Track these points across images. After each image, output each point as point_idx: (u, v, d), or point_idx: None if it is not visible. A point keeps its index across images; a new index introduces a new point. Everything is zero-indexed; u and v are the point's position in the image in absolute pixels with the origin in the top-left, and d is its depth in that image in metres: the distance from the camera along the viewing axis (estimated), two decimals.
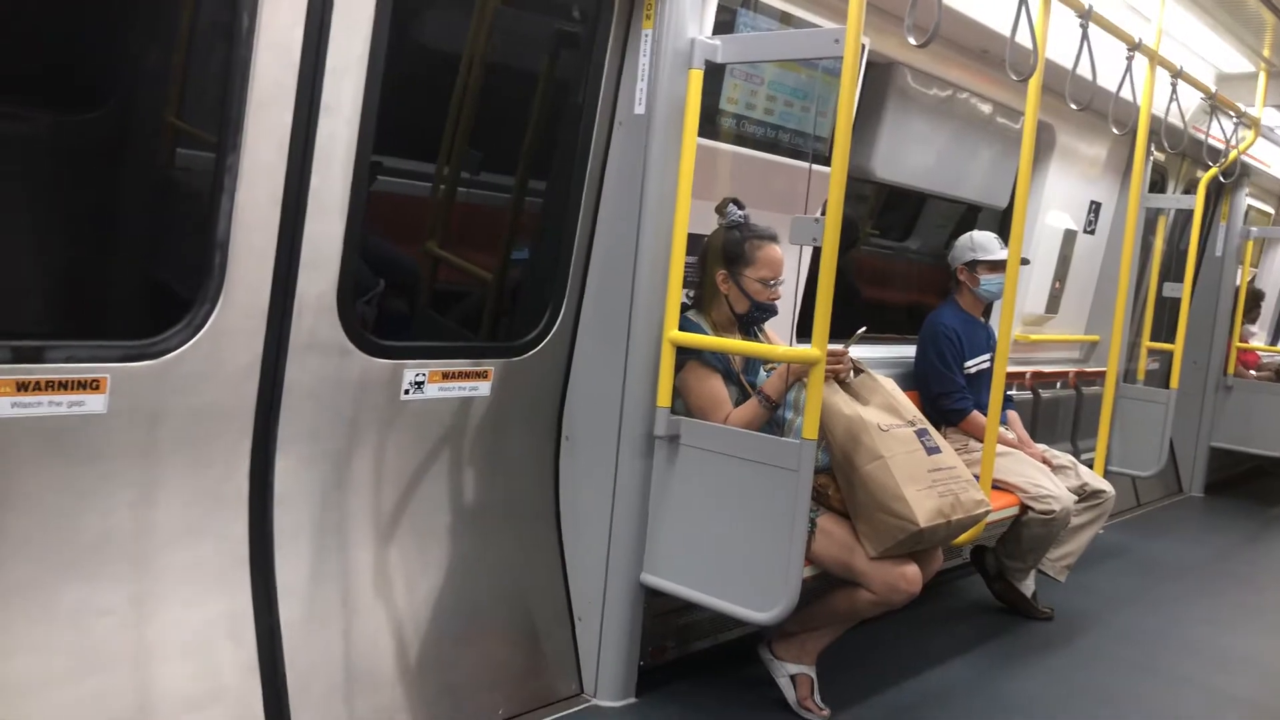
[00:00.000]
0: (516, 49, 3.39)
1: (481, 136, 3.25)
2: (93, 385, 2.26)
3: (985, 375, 4.39)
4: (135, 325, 2.40)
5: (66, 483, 2.29)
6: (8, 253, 2.50)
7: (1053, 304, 5.76)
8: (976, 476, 3.49)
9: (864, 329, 3.32)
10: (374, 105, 2.58)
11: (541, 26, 3.34)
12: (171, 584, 2.46)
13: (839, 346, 3.20)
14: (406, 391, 2.87)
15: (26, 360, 2.17)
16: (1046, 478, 4.26)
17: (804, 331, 3.55)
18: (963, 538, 3.50)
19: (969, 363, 4.49)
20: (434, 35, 3.31)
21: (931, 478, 3.14)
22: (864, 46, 3.58)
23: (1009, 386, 4.94)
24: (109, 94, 2.69)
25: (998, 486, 4.06)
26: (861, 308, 5.74)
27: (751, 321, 3.30)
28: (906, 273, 6.66)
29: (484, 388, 3.06)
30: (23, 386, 2.16)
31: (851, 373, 3.30)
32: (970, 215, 5.91)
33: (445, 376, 2.95)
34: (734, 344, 3.23)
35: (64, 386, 2.22)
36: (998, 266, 4.41)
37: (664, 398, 3.09)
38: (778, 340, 3.52)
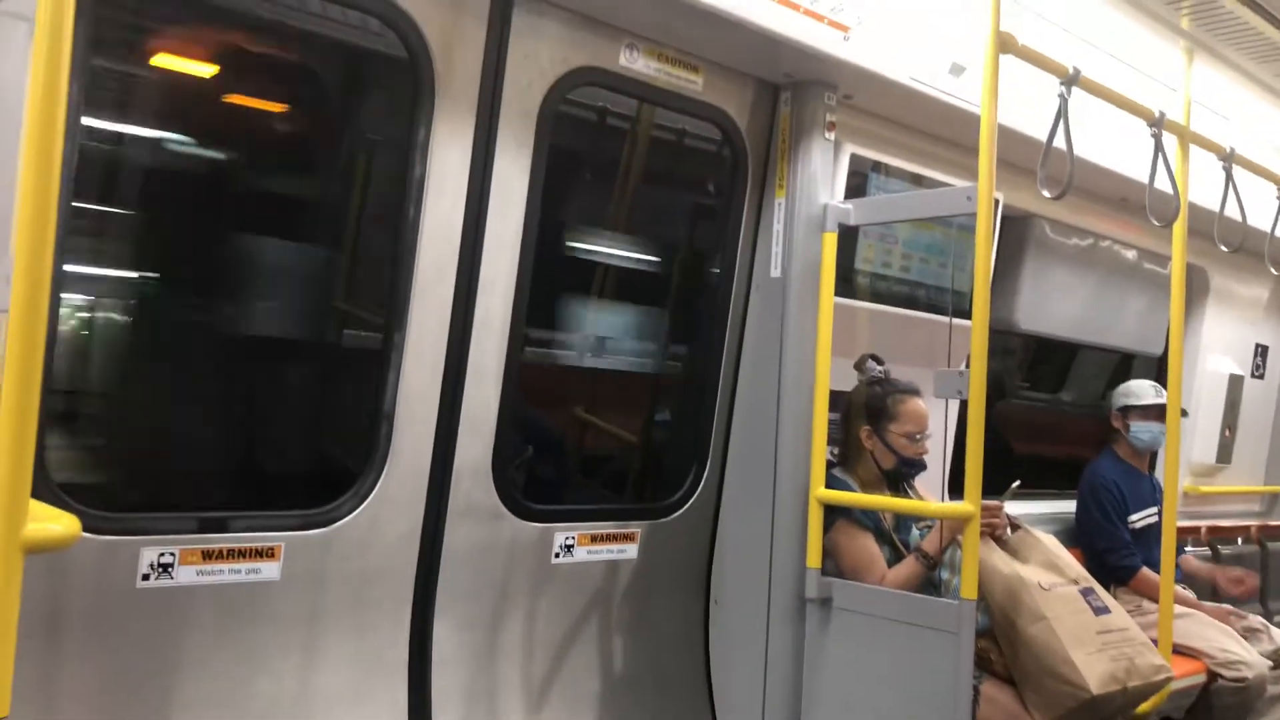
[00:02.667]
0: (656, 223, 3.56)
1: (625, 304, 3.39)
2: (269, 553, 2.39)
3: (1153, 530, 4.14)
4: (308, 495, 2.54)
5: (239, 648, 2.40)
6: (193, 433, 2.72)
7: (1224, 453, 5.44)
8: (1154, 640, 3.26)
9: (1018, 483, 3.22)
10: (527, 281, 2.74)
11: (680, 201, 3.51)
12: None
13: (993, 502, 3.10)
14: (557, 555, 2.92)
15: (211, 530, 2.33)
16: (1234, 641, 3.94)
17: (956, 488, 3.47)
18: (1143, 707, 3.23)
19: (1133, 517, 4.26)
20: (580, 213, 3.51)
21: (1101, 640, 2.96)
22: (998, 201, 3.61)
23: (1183, 543, 4.64)
24: (281, 284, 2.95)
25: (1179, 651, 3.76)
26: (1015, 462, 5.55)
27: (900, 477, 3.25)
28: (1061, 426, 6.46)
29: (631, 550, 3.08)
30: (207, 555, 2.31)
31: (1008, 529, 3.19)
32: (1125, 365, 5.72)
33: (594, 539, 2.99)
34: (884, 500, 3.18)
35: (243, 555, 2.36)
36: (1150, 412, 4.25)
37: (814, 558, 3.03)
38: (929, 498, 3.44)
